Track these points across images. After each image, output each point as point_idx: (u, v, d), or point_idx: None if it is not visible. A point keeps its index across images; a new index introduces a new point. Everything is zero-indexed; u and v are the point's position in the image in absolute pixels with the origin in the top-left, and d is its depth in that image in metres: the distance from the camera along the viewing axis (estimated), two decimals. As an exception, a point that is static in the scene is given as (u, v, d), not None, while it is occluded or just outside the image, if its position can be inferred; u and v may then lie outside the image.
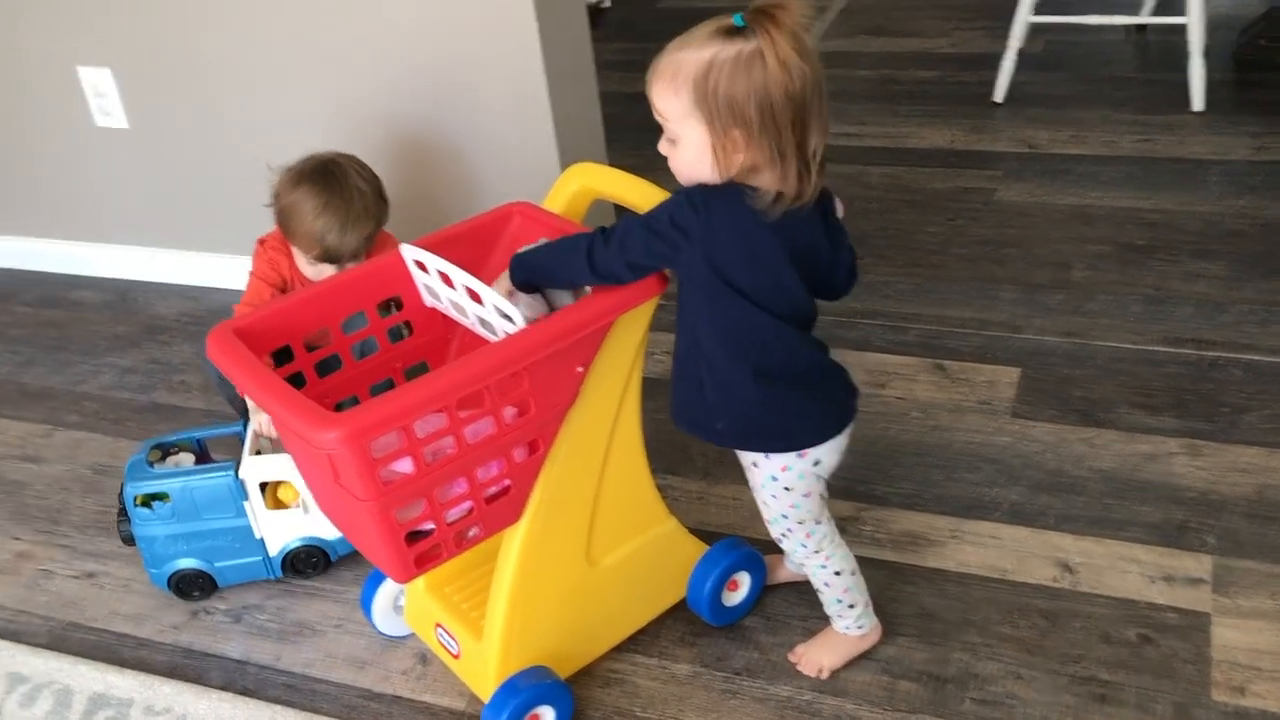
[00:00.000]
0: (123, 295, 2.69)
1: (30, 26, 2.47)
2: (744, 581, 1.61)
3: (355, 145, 2.33)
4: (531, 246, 1.36)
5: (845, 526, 1.76)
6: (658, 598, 1.61)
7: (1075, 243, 2.42)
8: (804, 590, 1.66)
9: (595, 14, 3.94)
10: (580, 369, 1.36)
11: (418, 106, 2.26)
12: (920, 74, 3.32)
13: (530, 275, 1.35)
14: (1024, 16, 2.97)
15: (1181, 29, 2.88)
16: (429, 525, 1.33)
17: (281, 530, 1.75)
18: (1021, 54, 3.02)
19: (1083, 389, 1.99)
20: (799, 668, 1.55)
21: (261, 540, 1.75)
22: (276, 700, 1.60)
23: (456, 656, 1.53)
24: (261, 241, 1.89)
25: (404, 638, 1.67)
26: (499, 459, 1.35)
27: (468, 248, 1.49)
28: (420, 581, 1.57)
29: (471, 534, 1.38)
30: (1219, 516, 1.70)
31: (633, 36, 3.87)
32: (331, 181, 1.77)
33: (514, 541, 1.42)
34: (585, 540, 1.47)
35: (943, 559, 1.69)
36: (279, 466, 1.69)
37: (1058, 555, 1.67)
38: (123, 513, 1.75)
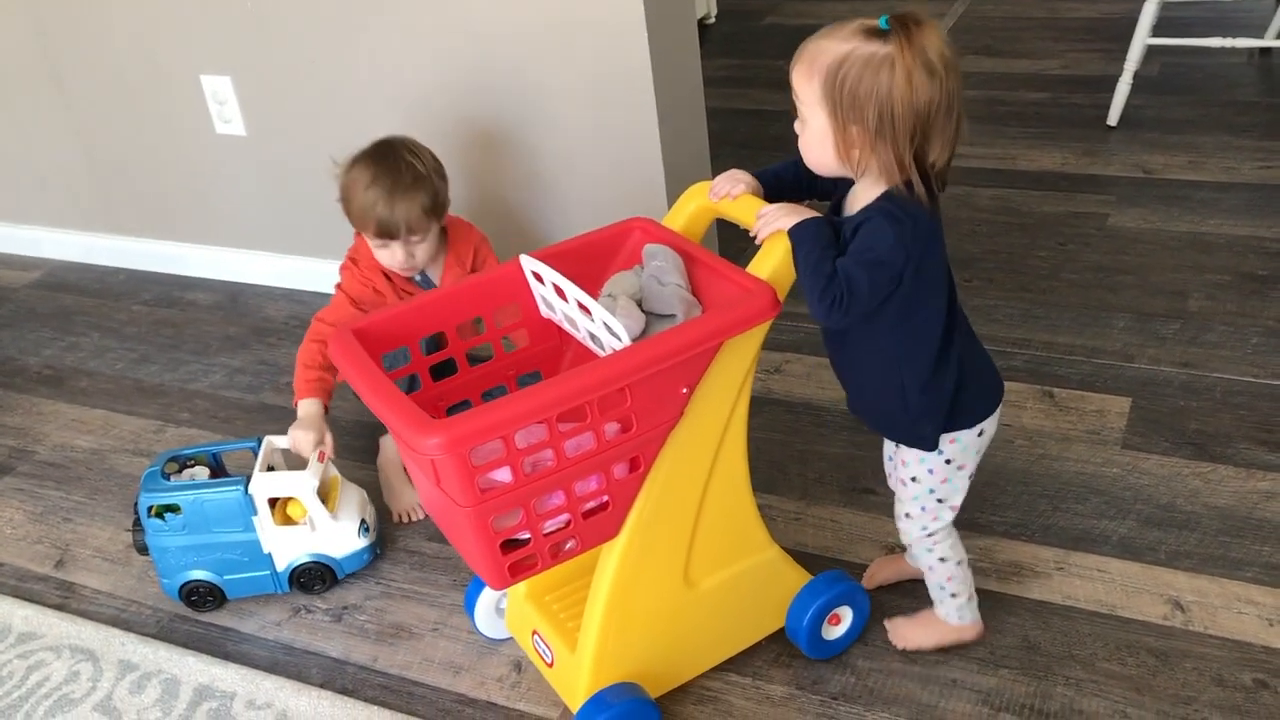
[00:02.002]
0: (234, 297, 2.77)
1: (158, 36, 2.56)
2: (846, 616, 1.58)
3: (462, 157, 2.38)
4: (814, 230, 1.30)
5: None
6: (756, 625, 1.59)
7: (1192, 271, 2.35)
8: (904, 615, 1.63)
9: (700, 29, 3.95)
10: (685, 390, 1.35)
11: (526, 121, 2.28)
12: (1030, 95, 3.26)
13: (801, 253, 1.30)
14: (1142, 38, 2.90)
15: (1309, 53, 2.78)
16: (525, 535, 1.34)
17: (289, 546, 1.78)
18: (1138, 76, 2.95)
19: (1198, 422, 1.93)
20: (889, 635, 1.59)
21: (269, 555, 1.78)
22: (374, 701, 1.62)
23: (550, 665, 1.54)
24: (353, 260, 1.93)
25: (502, 641, 1.69)
26: (598, 474, 1.35)
27: (587, 260, 1.50)
28: (521, 588, 1.58)
29: (569, 546, 1.38)
30: (1342, 560, 1.64)
31: (737, 53, 3.87)
32: (381, 156, 1.83)
33: (612, 557, 1.42)
34: (684, 561, 1.47)
35: (1048, 591, 1.65)
36: (287, 483, 1.72)
37: (1169, 593, 1.62)
38: (137, 523, 1.80)
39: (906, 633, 1.59)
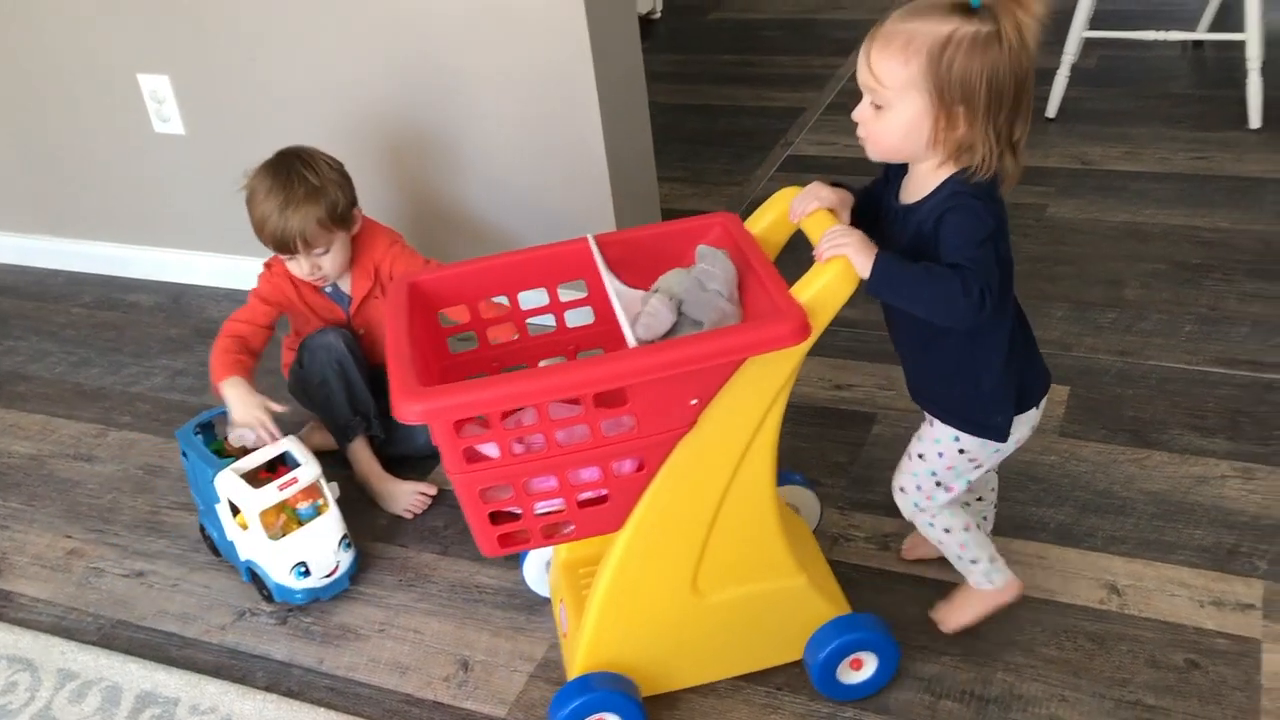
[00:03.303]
0: (176, 298, 2.73)
1: (93, 33, 2.52)
2: (869, 663, 1.51)
3: (400, 154, 2.37)
4: (897, 258, 1.27)
5: (889, 543, 1.75)
6: (773, 649, 1.55)
7: (1128, 260, 2.39)
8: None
9: (645, 25, 3.96)
10: (695, 401, 1.31)
11: (467, 117, 2.28)
12: (972, 88, 3.29)
13: (892, 289, 1.28)
14: (1078, 31, 2.95)
15: (1239, 45, 2.84)
16: (518, 509, 1.36)
17: (244, 544, 1.77)
18: (1075, 69, 2.99)
19: (1134, 409, 1.96)
20: (940, 626, 1.57)
21: (232, 543, 1.79)
22: (320, 703, 1.61)
23: (564, 635, 1.56)
24: (268, 265, 1.93)
25: (455, 638, 1.68)
26: (595, 466, 1.35)
27: (660, 250, 1.48)
28: (561, 555, 1.60)
29: (567, 530, 1.39)
30: (1271, 541, 1.67)
31: (683, 48, 3.88)
32: (275, 169, 1.82)
33: (616, 549, 1.42)
34: (692, 569, 1.44)
35: (988, 578, 1.67)
36: (242, 494, 1.70)
37: (1105, 577, 1.65)
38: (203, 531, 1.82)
39: (947, 617, 1.57)
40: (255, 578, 1.77)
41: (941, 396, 1.42)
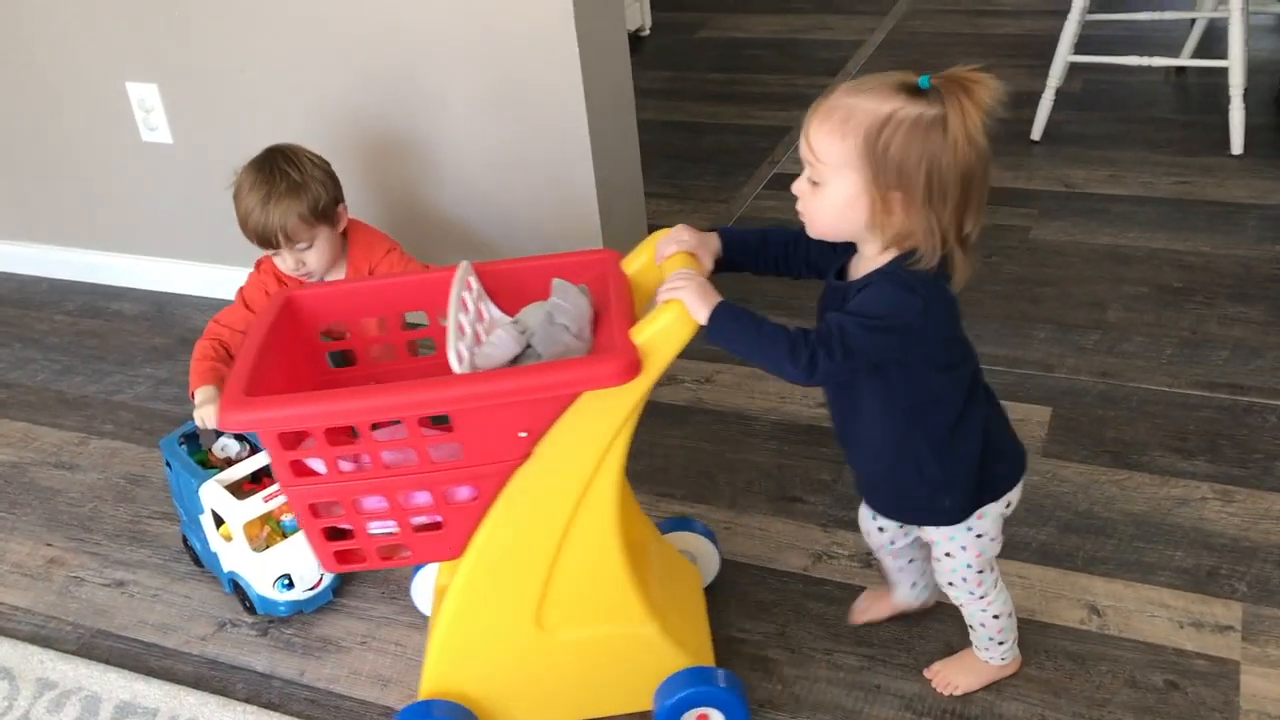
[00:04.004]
0: (160, 307, 2.73)
1: (82, 41, 2.52)
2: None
3: (391, 168, 2.37)
4: (738, 309, 1.25)
5: (872, 561, 1.76)
6: (621, 695, 1.51)
7: (1111, 283, 2.41)
8: (829, 623, 1.66)
9: (633, 41, 3.97)
10: (524, 434, 1.30)
11: (453, 132, 2.28)
12: (957, 110, 3.32)
13: (727, 342, 1.24)
14: (1064, 56, 2.98)
15: (1222, 72, 2.87)
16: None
17: (226, 557, 1.76)
18: (1060, 93, 3.02)
19: (1115, 430, 1.98)
20: (933, 684, 1.54)
21: (216, 554, 1.78)
22: (300, 715, 1.60)
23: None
24: (257, 265, 1.94)
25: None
26: (427, 491, 1.34)
27: (539, 281, 1.46)
28: (442, 580, 1.58)
29: (403, 554, 1.40)
30: (1250, 564, 1.69)
31: (671, 65, 3.90)
32: (260, 165, 1.84)
33: (457, 577, 1.41)
34: (536, 604, 1.41)
35: (970, 597, 1.68)
36: (228, 506, 1.69)
37: (1086, 597, 1.66)
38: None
39: (952, 678, 1.53)
40: (238, 589, 1.77)
41: (889, 485, 1.39)
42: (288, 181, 1.80)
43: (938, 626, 1.64)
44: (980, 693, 1.53)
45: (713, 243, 1.36)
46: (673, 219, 2.89)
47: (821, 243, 1.30)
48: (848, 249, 1.29)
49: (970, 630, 1.51)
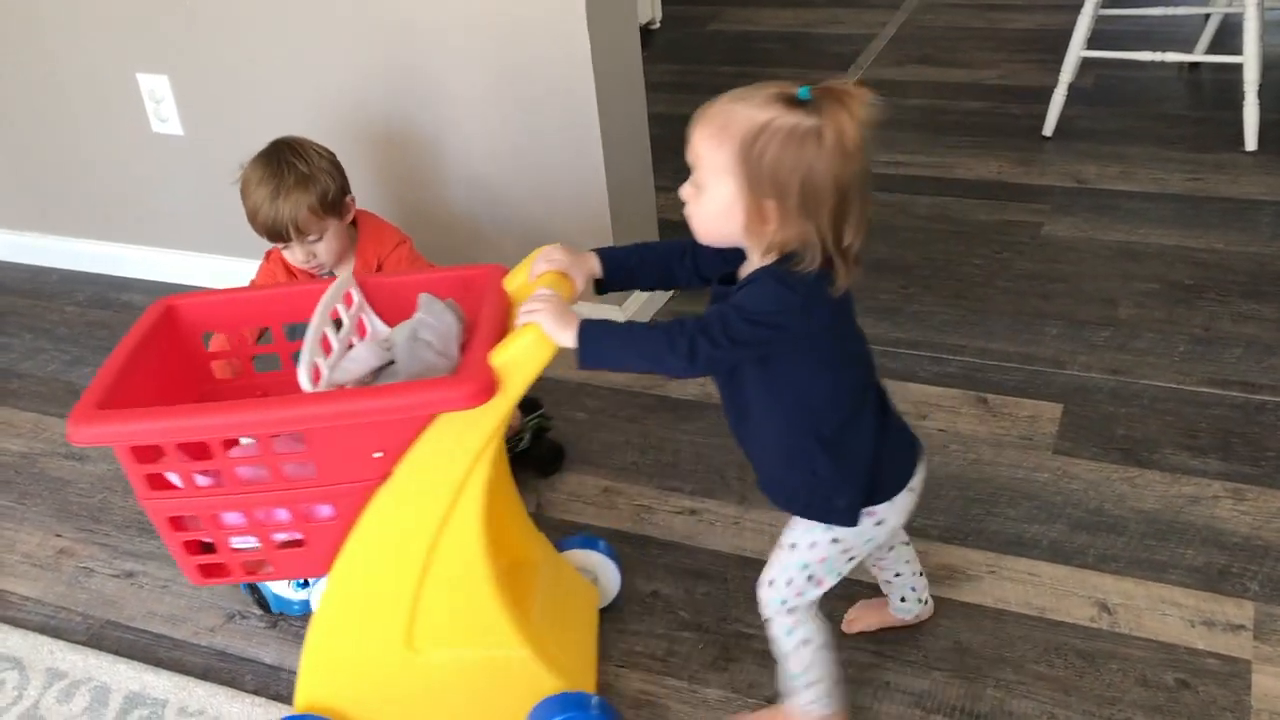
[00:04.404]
0: (171, 298, 2.72)
1: (93, 32, 2.52)
2: None
3: (400, 160, 2.37)
4: (601, 322, 1.25)
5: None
6: (495, 718, 1.47)
7: (1122, 280, 2.40)
8: (838, 619, 1.65)
9: (644, 35, 3.96)
10: (379, 455, 1.28)
11: (465, 123, 2.28)
12: (969, 105, 3.32)
13: (601, 360, 1.24)
14: (1076, 51, 2.96)
15: (1236, 68, 2.86)
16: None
17: None
18: (1072, 88, 3.01)
19: (1126, 428, 1.97)
20: None
21: None
22: (308, 707, 1.61)
23: None
24: (267, 254, 1.94)
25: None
26: (284, 508, 1.33)
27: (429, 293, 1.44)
28: None
29: (267, 570, 1.40)
30: (1262, 562, 1.68)
31: (681, 58, 3.89)
32: (269, 158, 1.83)
33: (325, 593, 1.41)
34: (405, 624, 1.40)
35: (980, 594, 1.68)
36: None
37: (1097, 595, 1.65)
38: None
39: None
40: (252, 587, 1.76)
41: (782, 482, 1.35)
42: (296, 174, 1.79)
43: (946, 624, 1.63)
44: (990, 689, 1.53)
45: (589, 263, 1.34)
46: (683, 213, 2.89)
47: (712, 251, 1.29)
48: (738, 257, 1.26)
49: (782, 668, 1.43)
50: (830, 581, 1.38)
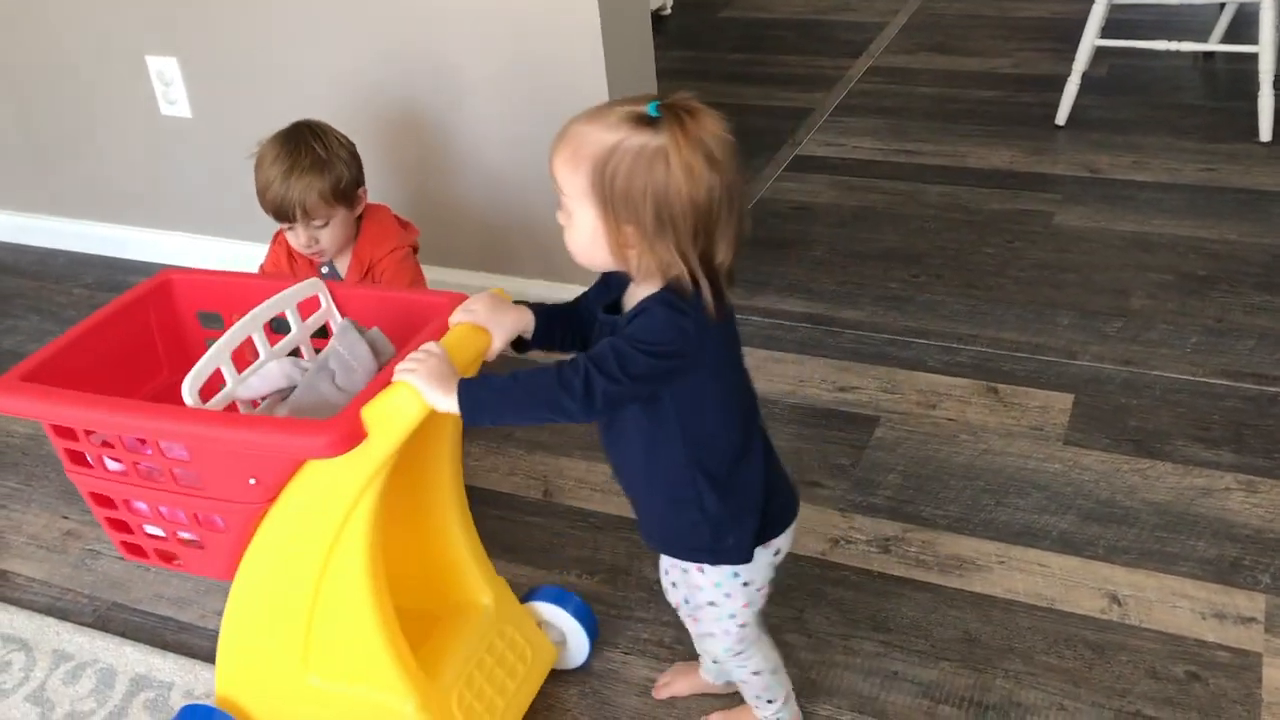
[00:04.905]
0: (178, 282, 2.72)
1: (102, 14, 2.51)
2: None
3: (403, 147, 2.36)
4: (484, 378, 1.19)
5: (890, 547, 1.75)
6: None
7: (1135, 270, 2.38)
8: (847, 608, 1.65)
9: (656, 21, 3.94)
10: (253, 481, 1.27)
11: (470, 111, 2.27)
12: (981, 93, 3.30)
13: (490, 416, 1.19)
14: (1090, 39, 2.94)
15: (1251, 58, 2.83)
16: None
17: None
18: (1086, 77, 2.99)
19: (1138, 419, 1.96)
20: None
21: None
22: (314, 691, 1.60)
23: None
24: (275, 238, 1.93)
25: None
26: (179, 509, 1.35)
27: (396, 311, 1.44)
28: None
29: (177, 561, 1.42)
30: (1274, 555, 1.67)
31: (693, 45, 3.87)
32: (288, 137, 1.83)
33: (230, 597, 1.40)
34: (301, 646, 1.37)
35: (989, 585, 1.67)
36: None
37: (1107, 587, 1.64)
38: None
39: None
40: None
41: (670, 524, 1.29)
42: (312, 157, 1.78)
43: (955, 614, 1.63)
44: (998, 680, 1.52)
45: (515, 319, 1.27)
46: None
47: (597, 284, 1.26)
48: (620, 282, 1.22)
49: (741, 690, 1.44)
50: (758, 608, 1.33)
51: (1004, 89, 3.30)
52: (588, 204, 1.12)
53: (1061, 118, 3.01)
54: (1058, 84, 3.04)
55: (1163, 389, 2.03)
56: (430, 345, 1.20)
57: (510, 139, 2.28)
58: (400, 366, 1.19)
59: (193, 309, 1.55)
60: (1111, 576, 1.66)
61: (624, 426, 1.24)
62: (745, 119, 3.30)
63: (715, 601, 1.31)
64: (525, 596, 1.58)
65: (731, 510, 1.25)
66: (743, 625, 1.33)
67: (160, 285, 1.53)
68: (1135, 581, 1.65)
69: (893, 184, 2.81)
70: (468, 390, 1.16)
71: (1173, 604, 1.61)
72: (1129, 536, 1.72)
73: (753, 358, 2.19)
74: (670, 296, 1.14)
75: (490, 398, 1.17)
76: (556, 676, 1.57)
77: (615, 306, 1.23)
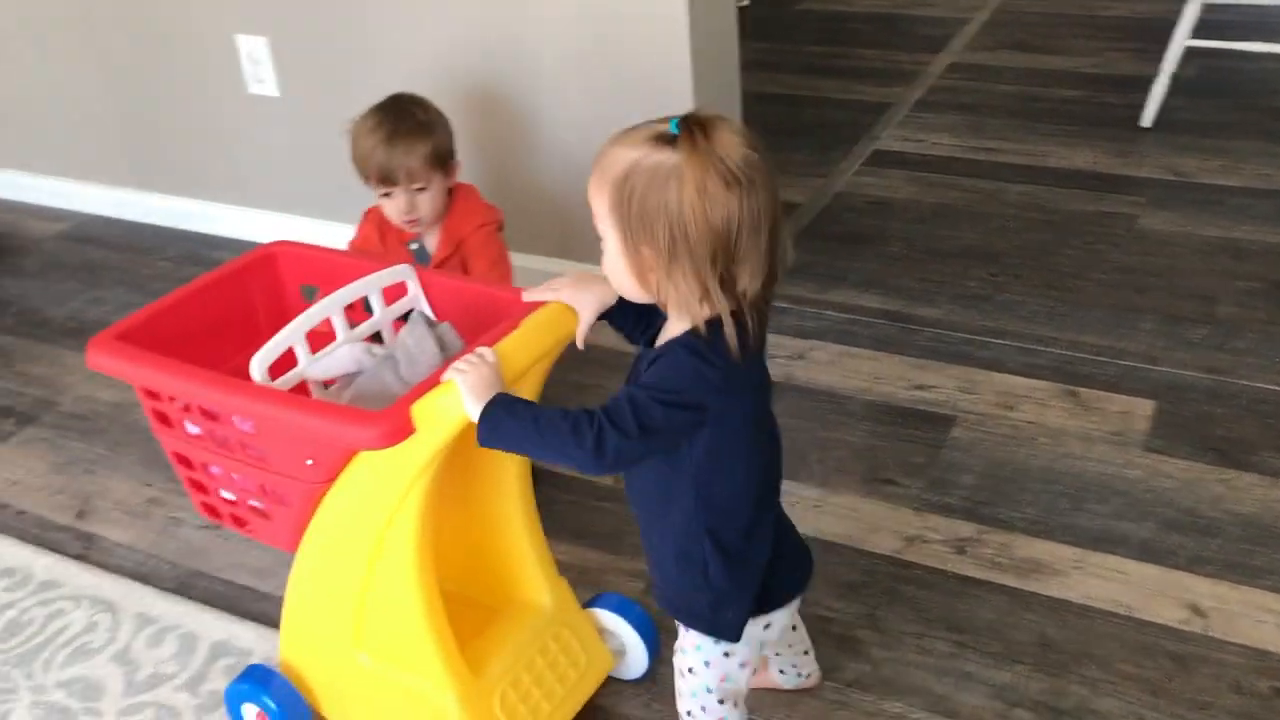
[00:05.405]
0: (260, 258, 2.77)
1: (195, -8, 2.56)
2: None
3: (492, 127, 2.37)
4: (513, 403, 1.16)
5: (966, 548, 1.73)
6: None
7: (1222, 277, 2.34)
8: (920, 607, 1.64)
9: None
10: (310, 462, 1.29)
11: (560, 95, 2.27)
12: (1064, 93, 3.25)
13: (505, 444, 1.17)
14: (1181, 39, 2.88)
15: (1350, 62, 2.76)
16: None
17: None
18: (1174, 78, 2.93)
19: (1223, 428, 1.92)
20: None
21: None
22: (389, 665, 1.63)
23: None
24: (366, 215, 1.95)
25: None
26: (253, 480, 1.37)
27: (482, 305, 1.43)
28: None
29: (248, 527, 1.44)
30: (1363, 573, 1.63)
31: (769, 37, 3.85)
32: (388, 106, 1.86)
33: (293, 569, 1.44)
34: (352, 624, 1.39)
35: (1066, 589, 1.65)
36: None
37: (1188, 597, 1.62)
38: None
39: None
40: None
41: (673, 583, 1.24)
42: (414, 120, 1.81)
43: (1030, 617, 1.61)
44: (1074, 686, 1.51)
45: (600, 292, 1.25)
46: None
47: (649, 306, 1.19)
48: (659, 313, 1.18)
49: None
50: (742, 692, 1.30)
51: (1088, 89, 3.25)
52: (611, 226, 1.09)
53: (1148, 119, 2.96)
54: (1143, 85, 2.98)
55: (1249, 399, 1.99)
56: (485, 351, 1.19)
57: (591, 125, 2.27)
58: (454, 367, 1.18)
59: (296, 282, 1.57)
60: (1193, 587, 1.63)
61: (644, 473, 1.20)
62: (822, 112, 3.28)
63: (694, 669, 1.26)
64: (588, 602, 1.56)
65: (736, 582, 1.19)
66: (720, 702, 1.27)
67: (265, 257, 1.57)
68: (1218, 593, 1.62)
69: (972, 182, 2.78)
70: (491, 412, 1.14)
71: (1257, 618, 1.58)
72: (1212, 547, 1.69)
73: (826, 353, 2.20)
74: (695, 342, 1.09)
75: (508, 424, 1.14)
76: (613, 683, 1.56)
77: (654, 340, 1.19)
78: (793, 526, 1.30)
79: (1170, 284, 2.33)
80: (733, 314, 1.07)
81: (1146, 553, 1.70)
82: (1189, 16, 2.86)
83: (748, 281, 1.07)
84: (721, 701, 1.28)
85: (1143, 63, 3.26)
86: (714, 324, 1.08)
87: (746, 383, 1.13)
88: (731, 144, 1.04)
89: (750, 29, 3.92)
